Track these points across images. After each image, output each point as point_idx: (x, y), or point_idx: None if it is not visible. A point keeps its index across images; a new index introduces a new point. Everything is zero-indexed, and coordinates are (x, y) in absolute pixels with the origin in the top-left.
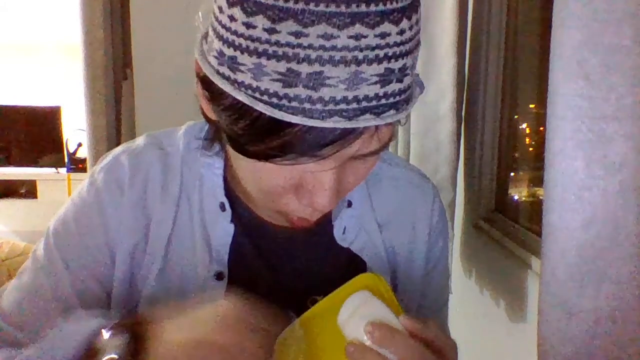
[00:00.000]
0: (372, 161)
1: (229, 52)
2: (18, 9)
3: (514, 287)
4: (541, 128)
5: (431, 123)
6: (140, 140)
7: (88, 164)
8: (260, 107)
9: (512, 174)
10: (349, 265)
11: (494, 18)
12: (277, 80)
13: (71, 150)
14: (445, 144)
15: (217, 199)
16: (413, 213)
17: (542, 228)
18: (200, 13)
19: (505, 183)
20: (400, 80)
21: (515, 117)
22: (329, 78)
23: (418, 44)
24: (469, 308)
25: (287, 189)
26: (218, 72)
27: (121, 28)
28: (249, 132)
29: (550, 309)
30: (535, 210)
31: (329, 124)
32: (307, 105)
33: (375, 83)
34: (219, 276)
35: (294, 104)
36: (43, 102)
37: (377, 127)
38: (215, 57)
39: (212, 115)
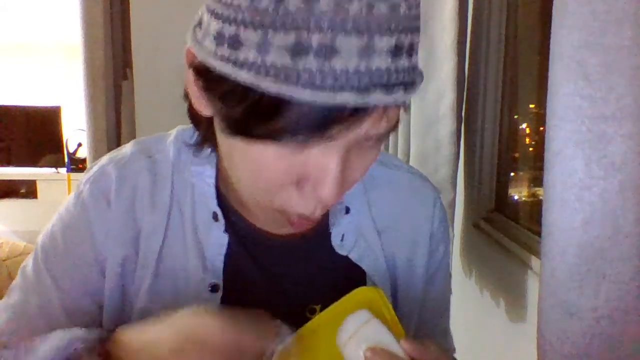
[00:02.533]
0: (376, 151)
1: (230, 29)
2: (18, 8)
3: (514, 287)
4: (541, 128)
5: (431, 123)
6: (127, 149)
7: (88, 164)
8: (265, 84)
9: (512, 174)
10: (348, 274)
11: (494, 18)
12: (286, 52)
13: (71, 150)
14: (445, 144)
15: (210, 208)
16: (413, 218)
17: (542, 228)
18: (200, 13)
19: (505, 183)
20: (409, 57)
21: (515, 117)
22: (340, 47)
23: (419, 27)
24: (469, 308)
25: (289, 181)
26: (216, 55)
27: (121, 28)
28: (252, 113)
29: (550, 309)
30: (535, 210)
31: (339, 98)
32: (317, 78)
33: (387, 55)
34: (213, 288)
35: (303, 76)
36: (43, 102)
37: (385, 107)
38: (213, 40)
39: (206, 110)
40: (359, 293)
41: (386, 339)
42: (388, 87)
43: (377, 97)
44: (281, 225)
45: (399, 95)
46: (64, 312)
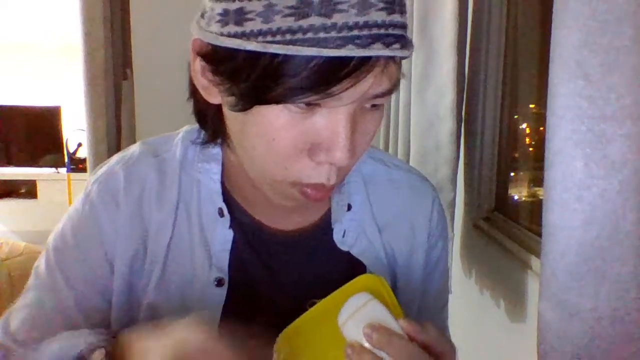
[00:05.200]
0: (378, 116)
1: (235, 5)
2: (18, 8)
3: (514, 287)
4: (541, 128)
5: (431, 123)
6: (134, 149)
7: (88, 164)
8: (273, 49)
9: (512, 174)
10: (350, 269)
11: (494, 18)
12: (289, 15)
13: (71, 150)
14: (445, 144)
15: (216, 204)
16: (412, 215)
17: (542, 228)
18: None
19: (505, 183)
20: (400, 14)
21: (515, 117)
22: (340, 3)
23: None
24: (469, 308)
25: (301, 149)
26: (223, 34)
27: (121, 28)
28: (264, 79)
29: (550, 309)
30: (535, 210)
31: (343, 52)
32: (321, 35)
33: (382, 9)
34: (219, 282)
35: (308, 35)
36: (43, 102)
37: (386, 63)
38: (219, 21)
39: (215, 98)
40: (360, 280)
41: (385, 318)
42: (386, 41)
43: (377, 50)
44: (286, 218)
45: (396, 49)
46: (77, 310)
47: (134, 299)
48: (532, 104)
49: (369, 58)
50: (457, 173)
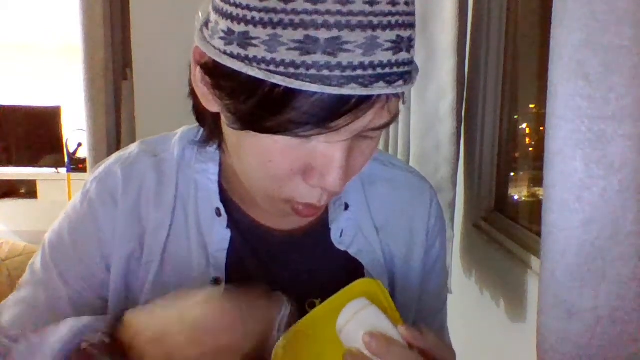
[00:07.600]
0: (377, 140)
1: (240, 28)
2: (18, 8)
3: (514, 287)
4: (541, 128)
5: (431, 123)
6: (133, 148)
7: (88, 164)
8: (276, 79)
9: (512, 174)
10: (347, 269)
11: (494, 18)
12: (294, 49)
13: (71, 150)
14: (445, 144)
15: (213, 204)
16: (410, 215)
17: (542, 228)
18: (200, 13)
19: (505, 183)
20: (407, 51)
21: (515, 117)
22: (346, 43)
23: (415, 23)
24: (468, 308)
25: (296, 172)
26: (225, 53)
27: (121, 28)
28: (261, 107)
29: (550, 309)
30: (535, 210)
31: (346, 91)
32: (325, 72)
33: (389, 49)
34: (216, 282)
35: (312, 71)
36: (43, 102)
37: (387, 98)
38: (222, 38)
39: (213, 107)
40: (358, 285)
41: (383, 324)
42: (390, 79)
43: (379, 89)
44: (283, 218)
45: (399, 86)
46: (71, 307)
47: (131, 297)
48: (532, 104)
49: (371, 96)
50: (457, 173)
